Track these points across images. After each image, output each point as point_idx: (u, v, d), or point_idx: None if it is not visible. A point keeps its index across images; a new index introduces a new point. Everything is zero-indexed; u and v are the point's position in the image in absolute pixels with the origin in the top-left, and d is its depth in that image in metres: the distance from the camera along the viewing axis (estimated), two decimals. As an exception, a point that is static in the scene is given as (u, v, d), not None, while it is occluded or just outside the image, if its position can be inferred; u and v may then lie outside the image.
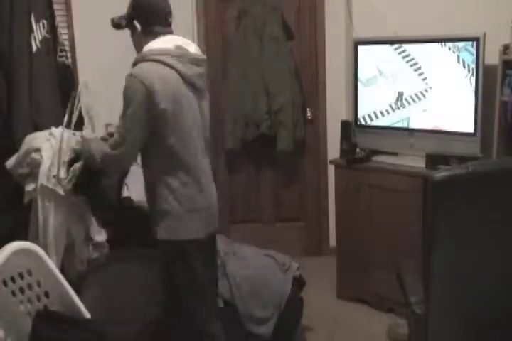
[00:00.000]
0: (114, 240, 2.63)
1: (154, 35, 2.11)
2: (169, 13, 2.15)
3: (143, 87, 1.97)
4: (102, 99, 3.42)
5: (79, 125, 2.94)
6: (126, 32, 2.20)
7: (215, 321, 2.27)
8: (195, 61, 2.12)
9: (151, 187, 2.14)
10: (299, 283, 2.96)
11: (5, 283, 1.74)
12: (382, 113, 3.29)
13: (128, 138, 2.04)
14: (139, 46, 2.14)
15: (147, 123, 2.01)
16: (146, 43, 2.10)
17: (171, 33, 2.15)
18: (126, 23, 2.15)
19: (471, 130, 2.94)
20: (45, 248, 2.07)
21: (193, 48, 2.16)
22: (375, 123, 3.33)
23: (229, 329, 2.40)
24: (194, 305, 2.19)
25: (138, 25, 2.11)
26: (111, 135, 2.21)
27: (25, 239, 2.18)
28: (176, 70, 2.04)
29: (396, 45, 3.17)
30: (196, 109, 2.14)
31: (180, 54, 2.07)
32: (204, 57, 2.21)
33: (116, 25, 2.18)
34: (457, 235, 1.68)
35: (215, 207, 2.26)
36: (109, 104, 3.49)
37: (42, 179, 2.36)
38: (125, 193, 2.65)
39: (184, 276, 2.15)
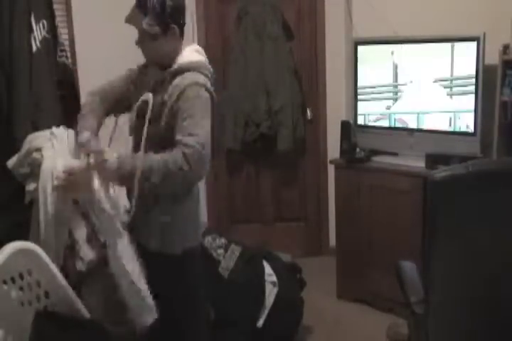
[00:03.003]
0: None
1: (182, 38, 2.04)
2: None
3: (209, 95, 1.93)
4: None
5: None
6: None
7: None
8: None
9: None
10: (299, 283, 2.96)
11: (5, 283, 1.74)
12: (382, 113, 3.29)
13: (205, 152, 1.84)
14: (169, 52, 2.01)
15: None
16: (178, 47, 2.01)
17: None
18: (163, 30, 1.94)
19: (471, 130, 2.95)
20: (45, 248, 2.07)
21: None
22: (375, 123, 3.33)
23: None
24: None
25: (177, 30, 1.97)
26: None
27: (25, 239, 2.18)
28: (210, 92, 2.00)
29: (396, 45, 3.17)
30: None
31: (209, 69, 2.05)
32: None
33: (152, 34, 1.95)
34: (457, 235, 1.68)
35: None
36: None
37: (43, 179, 2.36)
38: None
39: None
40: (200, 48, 2.13)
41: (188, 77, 1.94)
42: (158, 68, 2.06)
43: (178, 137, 1.84)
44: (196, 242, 2.12)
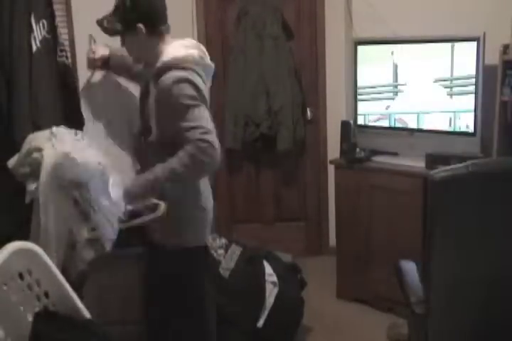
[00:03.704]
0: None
1: (160, 36, 2.01)
2: (166, 8, 2.06)
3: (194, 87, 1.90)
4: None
5: (78, 124, 2.94)
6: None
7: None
8: (210, 72, 2.06)
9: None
10: (299, 283, 2.96)
11: (5, 284, 1.74)
12: (382, 113, 3.29)
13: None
14: (144, 50, 2.03)
15: None
16: (155, 46, 2.00)
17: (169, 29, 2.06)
18: (125, 28, 1.99)
19: (471, 130, 2.95)
20: (45, 248, 2.07)
21: (207, 55, 2.08)
22: (375, 123, 3.33)
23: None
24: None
25: (142, 28, 1.96)
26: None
27: (25, 239, 2.18)
28: (204, 82, 1.97)
29: (396, 45, 3.17)
30: None
31: (204, 64, 2.01)
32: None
33: (111, 30, 2.03)
34: (457, 235, 1.69)
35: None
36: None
37: (43, 178, 2.36)
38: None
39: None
40: (190, 42, 2.07)
41: (171, 76, 1.91)
42: (145, 67, 2.10)
43: (185, 135, 1.86)
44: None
